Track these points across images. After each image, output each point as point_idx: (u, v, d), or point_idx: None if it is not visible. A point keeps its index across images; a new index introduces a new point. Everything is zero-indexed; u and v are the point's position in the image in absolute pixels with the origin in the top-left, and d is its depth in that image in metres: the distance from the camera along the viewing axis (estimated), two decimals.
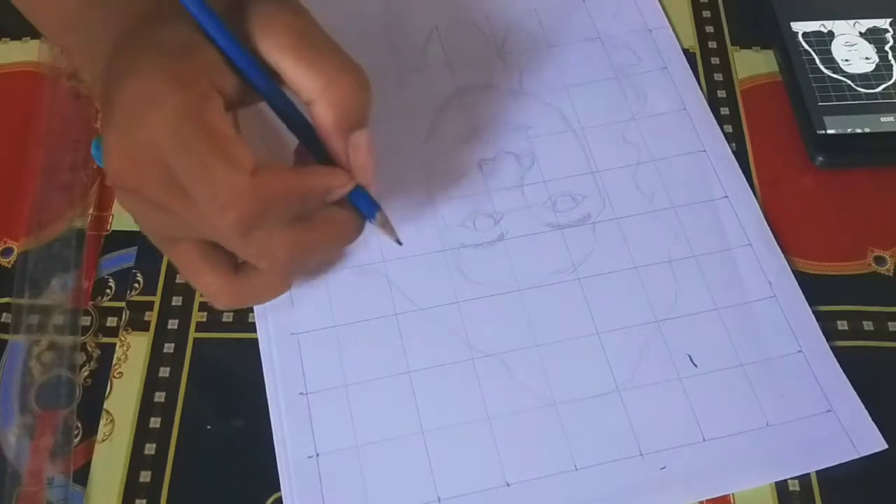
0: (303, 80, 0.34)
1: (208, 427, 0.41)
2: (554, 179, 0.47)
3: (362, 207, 0.38)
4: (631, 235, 0.45)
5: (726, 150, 0.48)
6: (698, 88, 0.50)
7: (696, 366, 0.42)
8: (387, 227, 0.39)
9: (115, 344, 0.43)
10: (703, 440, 0.40)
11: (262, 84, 0.34)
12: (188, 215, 0.33)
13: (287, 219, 0.35)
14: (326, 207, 0.36)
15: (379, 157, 0.36)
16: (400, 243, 0.40)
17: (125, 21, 0.35)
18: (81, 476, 0.40)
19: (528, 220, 0.46)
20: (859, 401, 0.41)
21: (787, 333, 0.43)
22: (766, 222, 0.46)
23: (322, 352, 0.42)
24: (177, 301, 0.44)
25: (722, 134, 0.49)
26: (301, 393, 0.41)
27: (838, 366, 0.42)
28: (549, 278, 0.44)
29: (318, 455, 0.40)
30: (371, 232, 0.39)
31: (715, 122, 0.49)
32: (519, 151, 0.48)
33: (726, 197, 0.47)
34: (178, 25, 0.33)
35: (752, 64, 0.52)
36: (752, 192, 0.47)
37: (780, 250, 0.45)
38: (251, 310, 0.43)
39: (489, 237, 0.45)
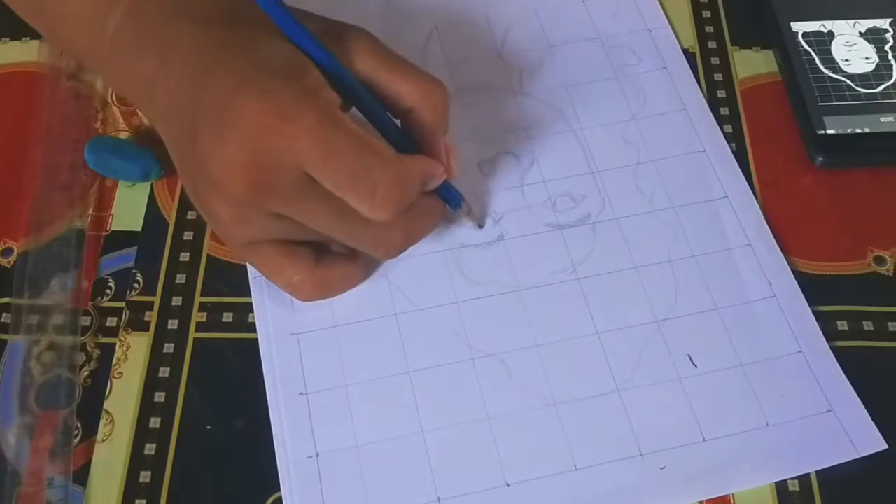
0: (403, 90, 0.39)
1: (208, 427, 0.41)
2: (554, 179, 0.47)
3: (451, 197, 0.43)
4: (631, 235, 0.45)
5: (726, 151, 0.48)
6: (698, 88, 0.50)
7: (695, 366, 0.42)
8: (470, 213, 0.45)
9: (114, 344, 0.43)
10: (703, 440, 0.40)
11: (363, 96, 0.38)
12: (318, 219, 0.37)
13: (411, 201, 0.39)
14: (422, 197, 0.40)
15: None
16: (481, 226, 0.45)
17: (205, 40, 0.37)
18: (81, 476, 0.40)
19: (527, 220, 0.46)
20: (859, 401, 0.41)
21: (787, 333, 0.43)
22: (765, 222, 0.46)
23: (322, 352, 0.42)
24: (177, 301, 0.44)
25: (722, 134, 0.49)
26: (301, 393, 0.41)
27: (838, 366, 0.42)
28: (549, 278, 0.44)
29: (318, 455, 0.40)
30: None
31: (715, 122, 0.49)
32: (519, 151, 0.48)
33: (726, 197, 0.47)
34: (277, 45, 0.36)
35: (752, 64, 0.52)
36: (751, 193, 0.47)
37: (779, 250, 0.45)
38: (251, 310, 0.43)
39: (489, 237, 0.45)
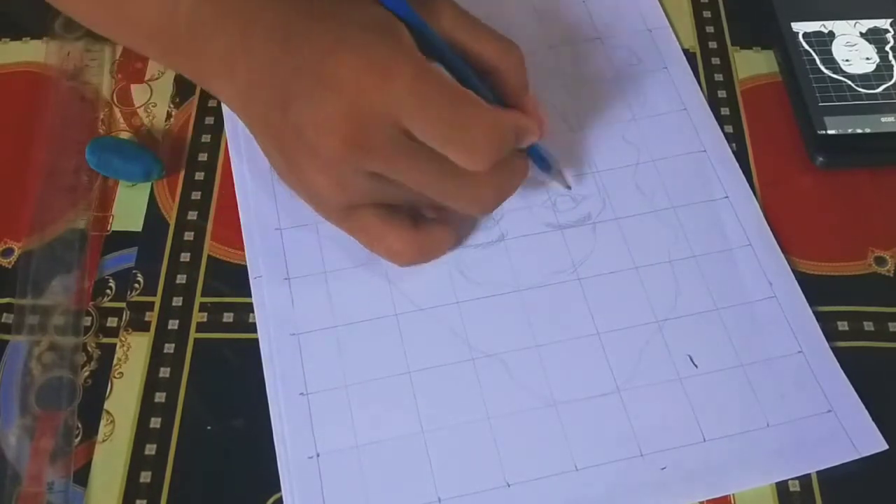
0: (486, 50, 0.40)
1: (208, 427, 0.41)
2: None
3: (541, 157, 0.44)
4: (631, 235, 0.45)
5: (727, 151, 0.48)
6: (698, 89, 0.50)
7: (696, 366, 0.42)
8: (558, 174, 0.46)
9: (115, 344, 0.43)
10: (704, 440, 0.40)
11: (451, 57, 0.40)
12: (416, 175, 0.38)
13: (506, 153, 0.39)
14: (512, 153, 0.41)
15: None
16: (569, 187, 0.46)
17: (288, 11, 0.38)
18: (82, 476, 0.40)
19: (528, 220, 0.46)
20: (859, 401, 0.41)
21: (788, 334, 0.43)
22: (766, 222, 0.46)
23: (322, 352, 0.42)
24: (177, 301, 0.44)
25: (722, 134, 0.49)
26: (301, 393, 0.41)
27: (838, 366, 0.42)
28: (550, 278, 0.44)
29: (318, 455, 0.40)
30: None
31: (715, 122, 0.49)
32: None
33: (726, 197, 0.47)
34: (364, 8, 0.38)
35: (752, 64, 0.52)
36: (752, 193, 0.47)
37: (780, 250, 0.45)
38: (251, 310, 0.43)
39: (489, 237, 0.45)
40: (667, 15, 0.53)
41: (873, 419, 0.40)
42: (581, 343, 0.42)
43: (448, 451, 0.40)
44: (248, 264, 0.45)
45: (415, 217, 0.42)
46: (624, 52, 0.52)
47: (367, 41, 0.36)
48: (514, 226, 0.46)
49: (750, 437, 0.40)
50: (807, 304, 0.43)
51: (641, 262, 0.45)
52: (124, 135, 0.49)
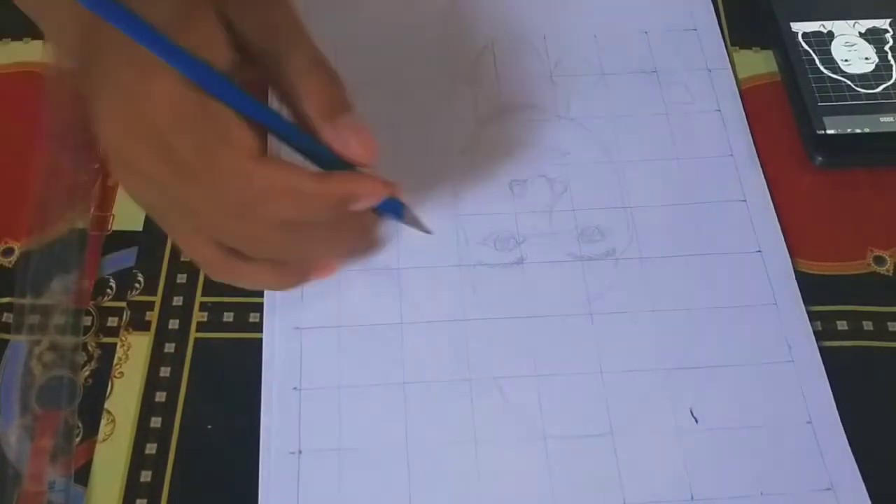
0: (283, 73, 0.34)
1: (209, 427, 0.41)
2: (584, 209, 0.46)
3: (387, 208, 0.37)
4: (653, 277, 0.44)
5: (768, 204, 0.46)
6: (749, 136, 0.49)
7: (696, 421, 0.40)
8: (415, 222, 0.40)
9: (115, 344, 0.43)
10: (692, 499, 0.39)
11: (236, 94, 0.33)
12: (179, 190, 0.33)
13: (290, 217, 0.34)
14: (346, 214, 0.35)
15: (411, 162, 0.35)
16: (430, 232, 0.41)
17: None
18: (82, 476, 0.40)
19: (550, 246, 0.45)
20: (862, 482, 0.39)
21: (799, 401, 0.41)
22: (796, 283, 0.44)
23: (322, 349, 0.42)
24: (177, 301, 0.44)
25: (766, 186, 0.47)
26: (295, 388, 0.41)
27: (846, 442, 0.40)
28: (562, 309, 0.43)
29: (300, 452, 0.40)
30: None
31: (761, 172, 0.48)
32: (553, 176, 0.47)
33: (759, 251, 0.45)
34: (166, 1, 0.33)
35: (751, 64, 0.52)
36: (786, 250, 0.45)
37: (805, 314, 0.43)
38: (252, 310, 0.43)
39: (508, 259, 0.45)
40: (730, 57, 0.52)
41: (872, 420, 0.40)
42: (582, 380, 0.41)
43: (429, 469, 0.39)
44: None
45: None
46: (679, 88, 0.51)
47: (153, 65, 0.31)
48: (536, 250, 0.45)
49: (740, 502, 0.39)
50: (824, 372, 0.42)
51: (659, 305, 0.43)
52: None
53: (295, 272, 0.39)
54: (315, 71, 0.35)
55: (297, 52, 0.35)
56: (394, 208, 0.38)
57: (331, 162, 0.35)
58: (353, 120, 0.35)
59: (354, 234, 0.38)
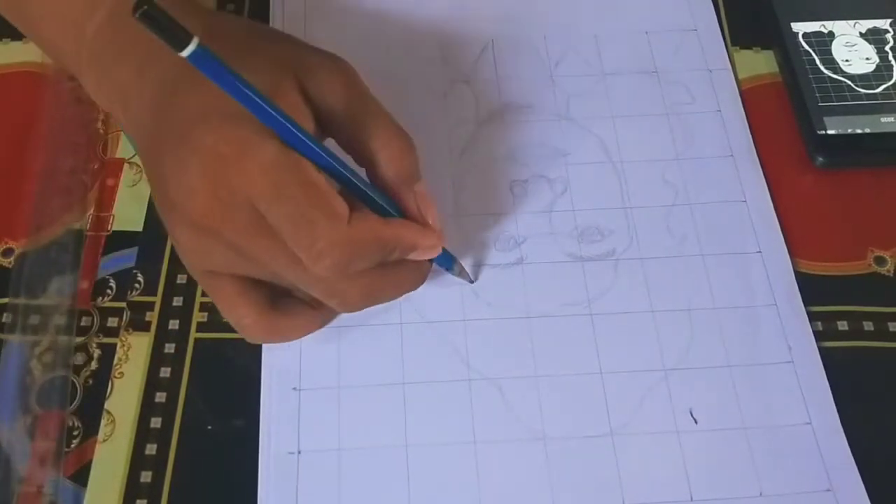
0: (368, 140, 0.37)
1: (209, 427, 0.41)
2: (584, 210, 0.46)
3: (440, 260, 0.41)
4: (653, 277, 0.44)
5: (768, 204, 0.46)
6: (749, 137, 0.49)
7: (696, 421, 0.40)
8: (462, 273, 0.43)
9: (115, 344, 0.43)
10: (691, 500, 0.39)
11: (318, 156, 0.35)
12: (267, 257, 0.35)
13: (371, 265, 0.36)
14: (403, 261, 0.38)
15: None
16: (472, 281, 0.44)
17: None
18: (82, 476, 0.40)
19: (550, 247, 0.45)
20: (862, 485, 0.39)
21: (799, 402, 0.41)
22: (796, 285, 0.44)
23: (321, 349, 0.42)
24: (177, 301, 0.44)
25: (766, 187, 0.47)
26: (294, 388, 0.41)
27: (846, 443, 0.40)
28: (562, 309, 0.43)
29: (299, 452, 0.40)
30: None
31: (761, 173, 0.47)
32: (553, 177, 0.47)
33: (759, 252, 0.45)
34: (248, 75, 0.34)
35: (752, 64, 0.52)
36: (786, 250, 0.45)
37: (805, 316, 0.43)
38: None
39: (508, 259, 0.45)
40: (730, 57, 0.52)
41: (871, 420, 0.40)
42: (582, 380, 0.41)
43: (428, 469, 0.39)
44: None
45: (280, 294, 0.39)
46: (679, 89, 0.50)
47: (238, 114, 0.33)
48: (536, 251, 0.45)
49: (740, 503, 0.39)
50: (824, 375, 0.42)
51: (659, 306, 0.43)
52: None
53: (332, 315, 0.41)
54: (396, 138, 0.37)
55: (378, 120, 0.37)
56: (447, 260, 0.42)
57: None
58: (425, 188, 0.38)
59: (411, 279, 0.40)
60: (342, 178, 0.36)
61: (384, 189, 0.38)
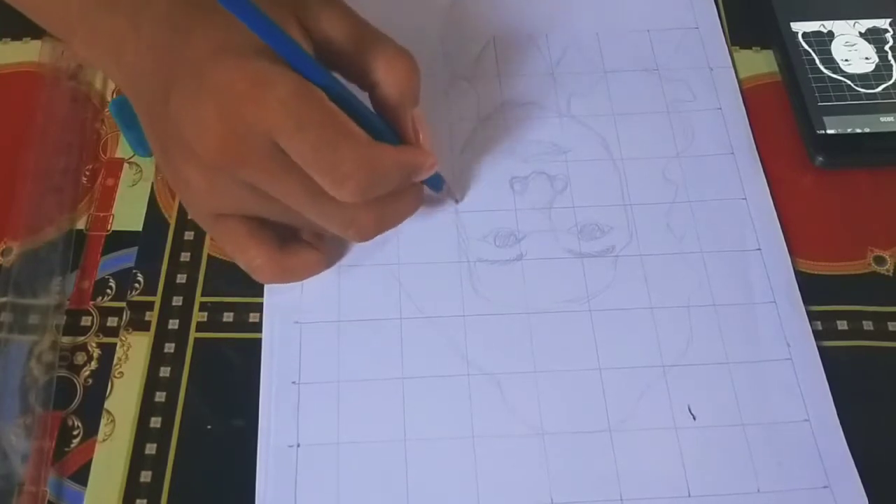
0: (369, 63, 0.38)
1: (209, 427, 0.41)
2: (584, 206, 0.46)
3: (430, 181, 0.43)
4: (652, 274, 0.44)
5: (768, 202, 0.46)
6: (750, 134, 0.49)
7: (694, 418, 0.40)
8: (449, 192, 0.45)
9: (115, 344, 0.43)
10: (689, 496, 0.39)
11: (330, 83, 0.36)
12: (286, 192, 0.36)
13: (389, 189, 0.38)
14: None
15: None
16: (459, 201, 0.46)
17: (178, 1, 0.36)
18: (82, 476, 0.40)
19: (550, 243, 0.45)
20: (860, 482, 0.39)
21: (797, 400, 0.41)
22: (795, 282, 0.44)
23: (321, 344, 0.42)
24: (177, 301, 0.44)
25: (767, 184, 0.47)
26: (293, 382, 0.41)
27: (844, 441, 0.40)
28: (561, 306, 0.43)
29: (298, 446, 0.40)
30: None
31: (761, 170, 0.47)
32: (553, 173, 0.47)
33: (759, 249, 0.45)
34: None
35: (751, 64, 0.52)
36: (787, 250, 0.45)
37: (805, 313, 0.43)
38: (251, 310, 0.43)
39: (507, 255, 0.45)
40: (731, 55, 0.52)
41: (871, 420, 0.40)
42: (581, 376, 0.41)
43: (426, 464, 0.39)
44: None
45: (285, 236, 0.41)
46: (680, 86, 0.51)
47: (249, 49, 0.34)
48: (535, 247, 0.45)
49: (737, 499, 0.39)
50: (822, 372, 0.42)
51: (658, 303, 0.43)
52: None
53: (336, 256, 0.44)
54: (400, 58, 0.38)
55: (381, 43, 0.38)
56: (435, 180, 0.43)
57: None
58: (421, 112, 0.40)
59: (414, 203, 0.43)
60: (350, 106, 0.36)
61: (384, 113, 0.39)
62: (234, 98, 0.34)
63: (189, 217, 0.45)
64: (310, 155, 0.35)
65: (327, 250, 0.43)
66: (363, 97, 0.39)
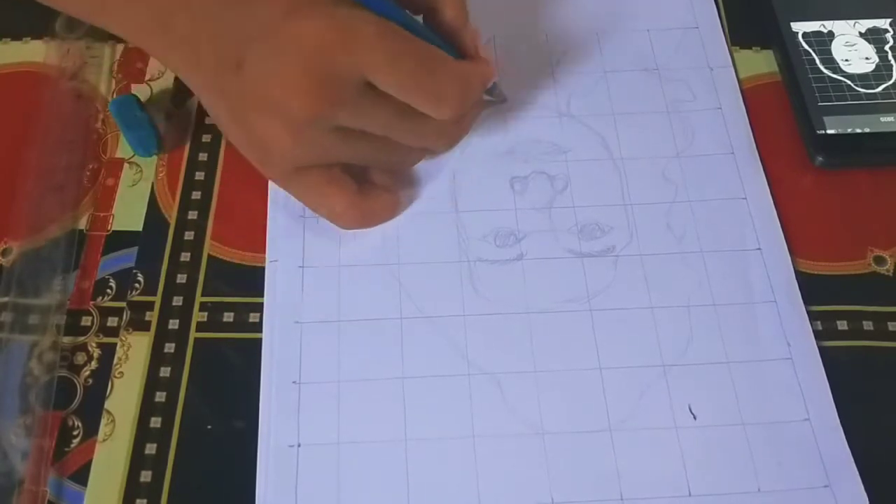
0: None
1: (209, 427, 0.41)
2: (584, 206, 0.46)
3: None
4: (652, 274, 0.44)
5: (768, 201, 0.46)
6: (750, 134, 0.49)
7: (695, 417, 0.40)
8: (497, 92, 0.48)
9: (115, 344, 0.43)
10: (689, 495, 0.39)
11: (396, 12, 0.38)
12: (384, 125, 0.39)
13: (475, 100, 0.43)
14: None
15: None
16: (505, 100, 0.49)
17: None
18: (82, 476, 0.40)
19: (550, 243, 0.45)
20: (860, 481, 0.39)
21: (798, 399, 0.41)
22: (796, 281, 0.44)
23: (321, 344, 0.42)
24: (177, 301, 0.44)
25: (767, 184, 0.47)
26: (294, 382, 0.41)
27: (845, 440, 0.40)
28: (561, 306, 0.43)
29: (299, 445, 0.40)
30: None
31: (762, 170, 0.47)
32: (554, 173, 0.47)
33: (759, 249, 0.45)
34: None
35: (751, 64, 0.52)
36: (787, 250, 0.45)
37: (805, 313, 0.43)
38: (252, 310, 0.43)
39: (507, 255, 0.45)
40: (731, 55, 0.52)
41: (871, 420, 0.40)
42: (581, 376, 0.41)
43: (427, 463, 0.39)
44: (267, 245, 0.45)
45: (360, 183, 0.43)
46: (680, 86, 0.51)
47: (323, 3, 0.36)
48: (535, 246, 0.45)
49: (738, 499, 0.39)
50: (823, 372, 0.42)
51: (658, 302, 0.43)
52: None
53: (407, 198, 0.46)
54: None
55: None
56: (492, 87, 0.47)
57: None
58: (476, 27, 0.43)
59: (479, 107, 0.47)
60: (420, 33, 0.39)
61: (443, 33, 0.42)
62: (321, 48, 0.36)
63: (266, 177, 0.45)
64: (410, 83, 0.37)
65: (399, 193, 0.45)
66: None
